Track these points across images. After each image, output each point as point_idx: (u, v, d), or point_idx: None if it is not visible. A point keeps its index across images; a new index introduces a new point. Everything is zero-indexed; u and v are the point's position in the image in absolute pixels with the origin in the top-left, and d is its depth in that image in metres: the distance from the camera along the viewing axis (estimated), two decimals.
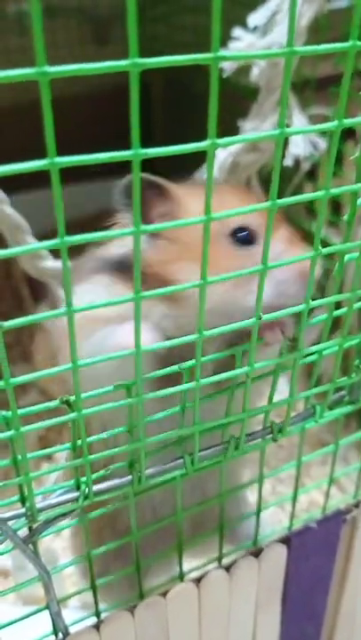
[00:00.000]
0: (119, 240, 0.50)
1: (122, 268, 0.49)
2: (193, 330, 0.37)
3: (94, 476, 0.42)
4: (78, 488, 0.42)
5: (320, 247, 0.38)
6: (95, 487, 0.42)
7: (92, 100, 1.36)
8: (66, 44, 1.39)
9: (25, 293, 1.27)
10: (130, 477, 0.43)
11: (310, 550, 0.55)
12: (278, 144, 0.33)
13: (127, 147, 0.29)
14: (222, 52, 0.29)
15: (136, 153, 0.29)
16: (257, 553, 0.53)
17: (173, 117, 1.44)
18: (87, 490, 0.42)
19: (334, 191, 0.37)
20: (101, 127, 1.24)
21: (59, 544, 0.89)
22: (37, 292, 1.13)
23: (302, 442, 0.53)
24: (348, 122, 0.35)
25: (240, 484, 0.57)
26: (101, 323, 0.46)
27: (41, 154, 0.28)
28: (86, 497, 0.42)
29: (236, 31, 0.73)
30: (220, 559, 0.54)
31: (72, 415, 0.37)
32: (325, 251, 0.39)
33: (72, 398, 0.37)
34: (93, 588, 0.49)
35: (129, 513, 0.47)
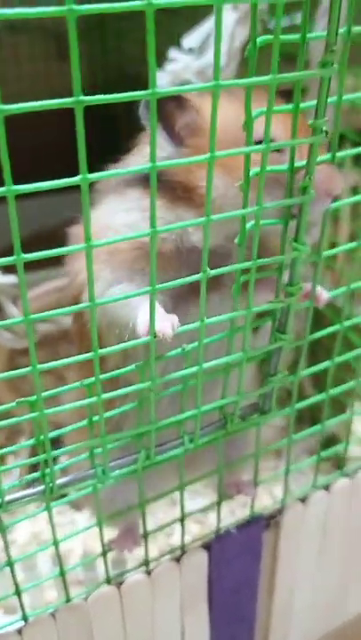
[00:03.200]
0: (144, 153, 0.52)
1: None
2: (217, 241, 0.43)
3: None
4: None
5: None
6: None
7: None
8: (29, 60, 1.41)
9: None
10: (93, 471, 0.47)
11: (231, 555, 0.57)
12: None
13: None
14: (157, 90, 0.32)
15: (84, 177, 0.32)
16: (178, 558, 0.55)
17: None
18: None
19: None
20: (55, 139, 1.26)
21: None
22: None
23: (221, 451, 0.55)
24: (274, 145, 0.38)
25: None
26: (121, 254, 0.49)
27: None
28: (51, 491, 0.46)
29: (172, 52, 0.75)
30: (146, 563, 0.56)
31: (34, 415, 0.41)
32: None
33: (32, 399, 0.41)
34: (18, 592, 0.51)
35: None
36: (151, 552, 0.57)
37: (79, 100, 0.30)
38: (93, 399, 0.43)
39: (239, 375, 0.49)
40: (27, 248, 0.33)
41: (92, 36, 1.53)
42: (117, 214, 0.51)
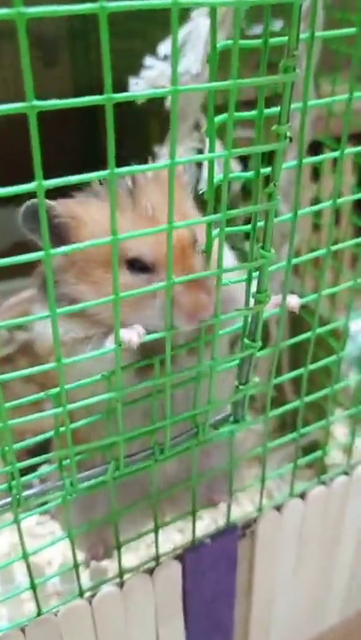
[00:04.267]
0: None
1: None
2: None
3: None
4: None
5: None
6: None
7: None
8: (13, 66, 1.41)
9: None
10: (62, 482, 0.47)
11: (206, 565, 0.56)
12: (171, 175, 0.36)
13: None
14: (115, 95, 0.31)
15: (39, 184, 0.32)
16: (150, 570, 0.54)
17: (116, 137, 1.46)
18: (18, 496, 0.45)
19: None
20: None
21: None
22: None
23: (196, 461, 0.54)
24: (237, 151, 0.38)
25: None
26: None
27: None
28: (18, 504, 0.45)
29: (148, 60, 0.75)
30: (120, 575, 0.55)
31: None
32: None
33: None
34: None
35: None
36: (132, 562, 0.56)
37: (33, 106, 0.30)
38: (59, 410, 0.42)
39: (209, 384, 0.48)
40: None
41: (76, 44, 1.53)
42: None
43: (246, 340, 0.48)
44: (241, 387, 0.50)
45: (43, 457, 0.45)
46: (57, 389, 0.41)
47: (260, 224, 0.43)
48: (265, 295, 0.45)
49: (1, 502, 0.46)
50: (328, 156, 0.48)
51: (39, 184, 0.32)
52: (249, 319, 0.47)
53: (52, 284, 0.35)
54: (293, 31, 0.36)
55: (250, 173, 0.41)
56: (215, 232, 0.41)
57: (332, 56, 0.87)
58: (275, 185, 0.41)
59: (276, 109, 0.39)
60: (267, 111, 0.40)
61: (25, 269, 0.47)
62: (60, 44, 1.55)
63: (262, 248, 0.43)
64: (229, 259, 0.48)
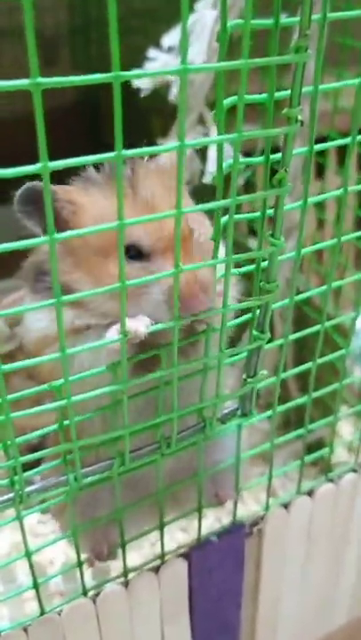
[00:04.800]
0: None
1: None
2: None
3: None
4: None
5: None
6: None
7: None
8: (13, 65, 1.40)
9: None
10: (65, 477, 0.45)
11: (213, 564, 0.55)
12: (179, 156, 0.35)
13: None
14: (123, 73, 0.30)
15: (44, 166, 0.30)
16: (156, 568, 0.53)
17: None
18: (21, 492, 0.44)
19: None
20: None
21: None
22: None
23: (201, 456, 0.53)
24: (248, 134, 0.37)
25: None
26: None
27: None
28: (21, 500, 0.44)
29: (152, 52, 0.74)
30: (125, 574, 0.54)
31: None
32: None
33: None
34: None
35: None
36: (135, 561, 0.55)
37: (38, 83, 0.29)
38: (63, 402, 0.41)
39: (217, 376, 0.47)
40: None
41: (76, 41, 1.52)
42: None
43: (255, 332, 0.47)
44: (249, 379, 0.49)
45: (45, 451, 0.44)
46: (60, 381, 0.40)
47: (269, 212, 0.42)
48: (275, 285, 0.44)
49: (2, 498, 0.45)
50: (338, 142, 0.47)
51: (44, 165, 0.31)
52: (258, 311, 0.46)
53: (55, 270, 0.34)
54: (306, 10, 0.35)
55: (260, 158, 0.40)
56: (224, 218, 0.40)
57: (337, 50, 0.86)
58: (285, 170, 0.40)
59: (286, 92, 0.38)
60: (277, 94, 0.39)
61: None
62: (61, 42, 1.54)
63: (272, 236, 0.42)
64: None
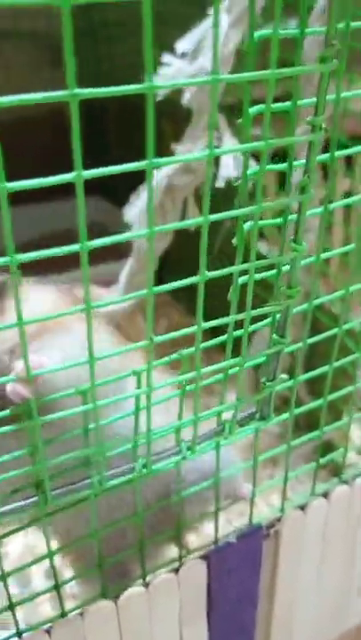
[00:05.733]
0: None
1: None
2: None
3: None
4: None
5: None
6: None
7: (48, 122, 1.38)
8: (20, 67, 1.40)
9: None
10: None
11: (231, 565, 0.55)
12: (208, 163, 0.35)
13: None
14: (156, 83, 0.31)
15: (78, 174, 0.31)
16: (176, 570, 0.53)
17: (127, 136, 1.47)
18: None
19: None
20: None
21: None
22: None
23: (218, 458, 0.53)
24: (274, 141, 0.37)
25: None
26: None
27: None
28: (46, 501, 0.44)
29: (166, 57, 0.75)
30: (143, 576, 0.55)
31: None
32: None
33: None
34: (12, 607, 0.49)
35: None
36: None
37: (74, 94, 0.29)
38: (90, 406, 0.42)
39: (238, 380, 0.47)
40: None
41: (84, 42, 1.52)
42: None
43: (275, 336, 0.47)
44: (268, 383, 0.49)
45: (72, 454, 0.44)
46: (87, 386, 0.41)
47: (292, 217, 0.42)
48: (296, 291, 0.44)
49: (27, 501, 0.45)
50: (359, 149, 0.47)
51: (78, 174, 0.31)
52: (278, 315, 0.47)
53: None
54: (332, 20, 0.36)
55: (283, 165, 0.41)
56: (248, 225, 0.40)
57: (350, 54, 0.86)
58: (308, 177, 0.40)
59: (311, 100, 0.39)
60: (300, 102, 0.39)
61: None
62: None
63: (294, 241, 0.43)
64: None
